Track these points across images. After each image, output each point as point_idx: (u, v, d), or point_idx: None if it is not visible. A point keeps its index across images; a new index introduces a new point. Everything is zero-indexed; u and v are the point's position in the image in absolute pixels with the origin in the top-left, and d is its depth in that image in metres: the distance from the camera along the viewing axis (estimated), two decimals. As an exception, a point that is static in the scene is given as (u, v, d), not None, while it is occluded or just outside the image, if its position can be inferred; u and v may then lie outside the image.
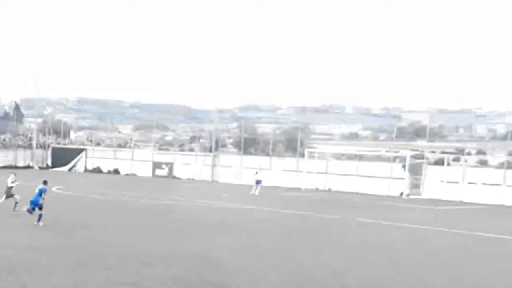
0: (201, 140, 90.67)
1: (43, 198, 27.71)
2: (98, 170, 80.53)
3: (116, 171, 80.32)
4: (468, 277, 19.78)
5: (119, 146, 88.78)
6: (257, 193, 54.63)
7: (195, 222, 31.66)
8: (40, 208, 27.45)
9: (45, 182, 28.43)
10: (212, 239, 25.39)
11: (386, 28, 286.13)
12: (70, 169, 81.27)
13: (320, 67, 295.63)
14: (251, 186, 57.08)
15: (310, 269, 19.78)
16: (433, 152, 70.96)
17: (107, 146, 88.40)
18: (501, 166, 61.74)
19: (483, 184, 57.57)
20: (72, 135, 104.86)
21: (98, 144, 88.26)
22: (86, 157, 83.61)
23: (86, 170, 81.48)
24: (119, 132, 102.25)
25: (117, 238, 24.55)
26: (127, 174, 79.11)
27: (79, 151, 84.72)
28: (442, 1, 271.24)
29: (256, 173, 58.11)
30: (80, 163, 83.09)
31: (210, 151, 78.46)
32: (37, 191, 27.94)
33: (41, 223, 27.01)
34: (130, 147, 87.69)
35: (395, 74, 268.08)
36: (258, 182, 56.36)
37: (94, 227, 27.55)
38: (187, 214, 35.97)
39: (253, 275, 18.26)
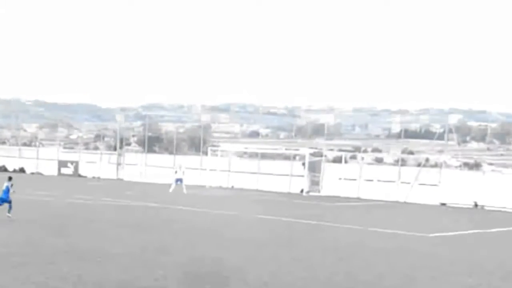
0: (105, 139, 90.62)
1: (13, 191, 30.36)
2: (3, 169, 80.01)
3: (22, 170, 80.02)
4: (363, 272, 20.29)
5: (24, 144, 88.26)
6: (184, 191, 55.30)
7: (100, 220, 32.08)
8: (9, 202, 29.78)
9: (10, 178, 30.45)
10: (115, 237, 25.83)
11: (284, 28, 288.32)
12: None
13: (221, 66, 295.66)
14: (162, 184, 57.79)
15: (212, 265, 20.31)
16: (331, 150, 72.89)
17: (12, 145, 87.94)
18: (395, 163, 64.17)
19: (379, 181, 59.68)
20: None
21: (3, 143, 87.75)
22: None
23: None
24: (24, 131, 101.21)
25: (23, 237, 24.64)
26: (32, 173, 78.93)
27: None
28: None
29: (176, 172, 58.86)
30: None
31: (115, 149, 78.89)
32: (4, 188, 29.89)
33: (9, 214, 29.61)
34: (35, 145, 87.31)
35: (294, 73, 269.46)
36: (177, 180, 57.05)
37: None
38: (92, 213, 36.33)
39: (156, 272, 18.47)
